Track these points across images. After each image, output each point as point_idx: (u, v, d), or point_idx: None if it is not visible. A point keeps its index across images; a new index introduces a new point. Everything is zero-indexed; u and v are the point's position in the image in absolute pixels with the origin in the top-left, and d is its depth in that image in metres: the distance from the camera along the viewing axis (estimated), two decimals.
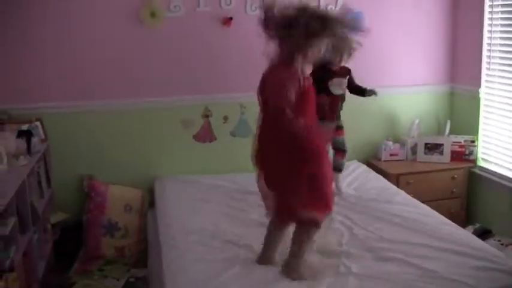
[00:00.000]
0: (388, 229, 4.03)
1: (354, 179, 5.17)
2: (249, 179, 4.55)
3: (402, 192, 4.82)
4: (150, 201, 5.13)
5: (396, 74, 5.77)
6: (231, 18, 5.11)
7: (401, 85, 5.80)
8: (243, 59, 4.95)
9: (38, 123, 4.72)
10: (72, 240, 4.98)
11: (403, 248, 3.71)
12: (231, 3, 5.11)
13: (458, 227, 4.12)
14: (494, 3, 5.27)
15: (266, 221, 4.00)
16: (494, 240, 4.90)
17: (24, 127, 4.46)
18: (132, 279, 4.60)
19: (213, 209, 4.52)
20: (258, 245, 3.75)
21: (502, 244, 4.78)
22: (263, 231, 3.84)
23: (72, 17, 4.89)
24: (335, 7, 5.33)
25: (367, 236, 3.94)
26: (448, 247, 3.70)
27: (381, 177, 5.23)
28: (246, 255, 3.72)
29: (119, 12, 4.96)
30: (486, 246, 3.78)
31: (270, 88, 3.43)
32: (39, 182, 4.51)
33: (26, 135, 4.33)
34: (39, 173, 4.51)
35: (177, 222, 4.26)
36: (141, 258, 4.88)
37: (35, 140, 4.42)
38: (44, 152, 4.71)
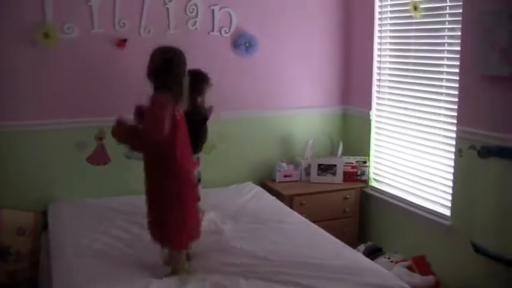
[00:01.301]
0: (278, 249, 4.06)
1: (247, 200, 5.18)
2: (144, 201, 4.55)
3: (295, 213, 4.86)
4: (43, 224, 4.98)
5: (291, 96, 5.87)
6: (125, 40, 5.10)
7: (296, 107, 5.89)
8: (137, 81, 4.93)
9: None
10: None
11: (292, 268, 3.74)
12: (124, 25, 5.10)
13: (347, 246, 4.18)
14: (383, 28, 5.50)
15: None
16: (385, 257, 5.03)
17: None
18: None
19: (106, 231, 4.46)
20: (152, 265, 3.83)
21: (392, 261, 4.91)
22: (156, 252, 3.89)
23: None
24: (229, 30, 5.41)
25: (257, 256, 3.96)
26: (337, 265, 3.76)
27: (274, 198, 5.26)
28: (140, 275, 3.69)
29: (11, 32, 4.86)
30: (373, 264, 3.88)
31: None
32: None
33: None
34: None
35: (70, 245, 4.19)
36: (34, 282, 4.76)
37: None
38: None
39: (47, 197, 5.13)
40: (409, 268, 4.75)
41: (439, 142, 4.85)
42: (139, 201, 4.75)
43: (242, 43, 5.48)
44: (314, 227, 4.55)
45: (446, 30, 4.72)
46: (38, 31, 4.89)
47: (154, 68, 3.75)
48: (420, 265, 4.76)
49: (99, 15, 5.04)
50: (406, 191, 5.28)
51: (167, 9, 5.20)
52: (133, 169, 5.20)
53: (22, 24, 4.87)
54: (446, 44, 4.74)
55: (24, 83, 4.97)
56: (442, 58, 4.80)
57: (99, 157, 5.28)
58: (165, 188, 3.72)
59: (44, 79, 5.02)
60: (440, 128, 4.83)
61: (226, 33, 5.41)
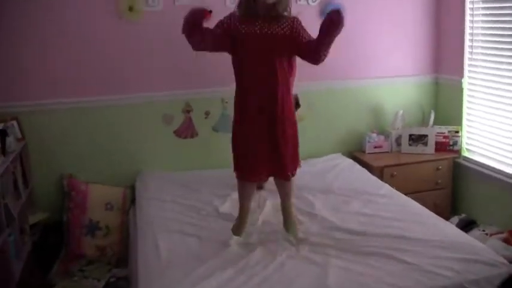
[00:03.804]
0: (370, 222, 3.99)
1: (338, 172, 5.11)
2: (231, 175, 4.53)
3: (386, 185, 4.76)
4: (132, 198, 5.05)
5: (380, 64, 5.73)
6: (210, 12, 5.04)
7: (385, 76, 5.75)
8: (224, 53, 4.92)
9: (14, 122, 4.62)
10: (53, 240, 4.90)
11: (384, 241, 3.67)
12: None
13: (441, 218, 4.07)
14: None
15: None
16: (479, 230, 4.87)
17: None
18: (113, 279, 4.54)
19: (194, 205, 4.47)
20: (239, 243, 3.78)
21: (487, 234, 4.74)
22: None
23: (46, 12, 4.80)
24: None
25: (348, 229, 3.89)
26: (430, 239, 3.65)
27: (364, 170, 5.17)
28: (226, 252, 3.65)
29: (96, 6, 4.89)
30: (467, 238, 3.74)
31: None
32: (15, 183, 4.40)
33: (1, 134, 4.22)
34: (14, 173, 4.41)
35: (156, 218, 4.21)
36: (123, 257, 4.82)
37: (10, 139, 4.32)
38: (21, 152, 4.64)
39: (135, 172, 5.19)
40: (505, 241, 4.56)
41: None
42: (226, 175, 4.79)
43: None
44: (406, 199, 4.45)
45: None
46: (123, 4, 4.91)
47: None
48: None
49: None
50: (501, 161, 5.07)
51: None
52: (220, 142, 5.22)
53: None
54: None
55: (109, 57, 5.01)
56: None
57: (187, 130, 5.29)
58: None
59: (129, 53, 5.05)
60: None
61: (313, 1, 5.28)
